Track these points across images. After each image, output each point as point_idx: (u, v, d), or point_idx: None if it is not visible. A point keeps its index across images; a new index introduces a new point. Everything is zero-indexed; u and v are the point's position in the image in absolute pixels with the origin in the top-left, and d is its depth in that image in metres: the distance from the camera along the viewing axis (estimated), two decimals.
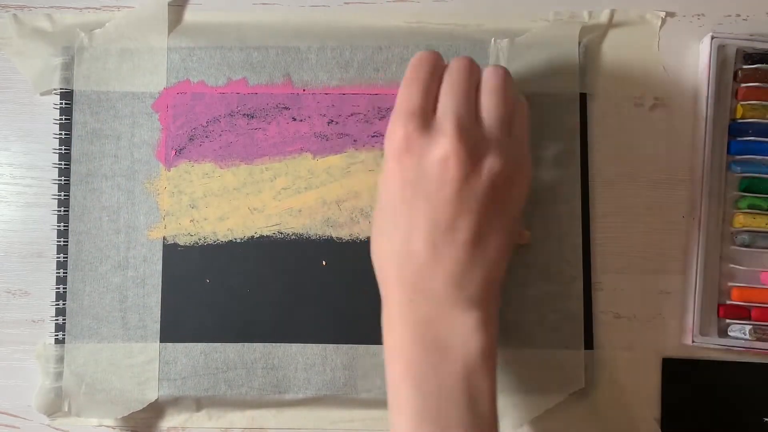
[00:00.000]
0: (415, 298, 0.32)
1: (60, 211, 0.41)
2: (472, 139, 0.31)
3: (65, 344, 0.40)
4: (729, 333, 0.39)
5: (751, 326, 0.38)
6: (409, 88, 0.33)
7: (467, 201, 0.31)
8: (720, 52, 0.40)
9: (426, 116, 0.32)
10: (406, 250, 0.32)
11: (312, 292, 0.40)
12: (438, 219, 0.31)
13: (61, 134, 0.41)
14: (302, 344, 0.40)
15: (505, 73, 0.34)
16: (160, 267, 0.40)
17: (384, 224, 0.33)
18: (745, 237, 0.39)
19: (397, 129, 0.32)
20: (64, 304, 0.40)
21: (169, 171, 0.41)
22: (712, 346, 0.39)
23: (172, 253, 0.40)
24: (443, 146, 0.31)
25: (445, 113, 0.32)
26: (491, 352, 0.32)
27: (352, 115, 0.41)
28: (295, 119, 0.41)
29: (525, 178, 0.34)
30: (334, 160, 0.41)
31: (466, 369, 0.31)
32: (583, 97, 0.40)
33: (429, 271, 0.32)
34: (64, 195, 0.41)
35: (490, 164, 0.31)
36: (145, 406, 0.40)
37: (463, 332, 0.31)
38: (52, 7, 0.42)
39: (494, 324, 0.33)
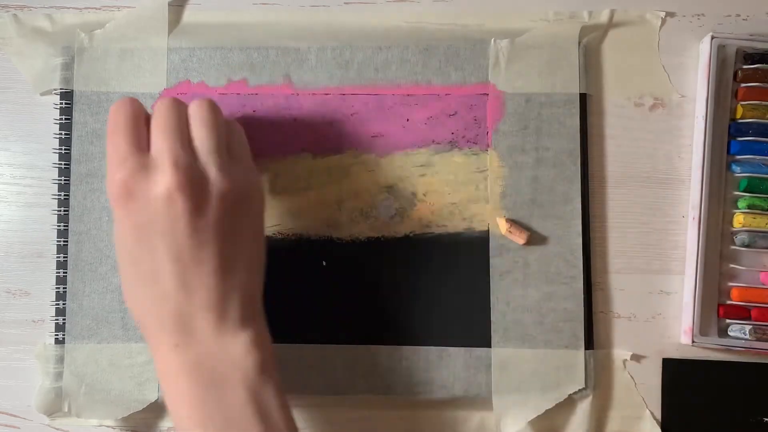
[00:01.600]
0: (180, 342, 0.32)
1: (60, 211, 0.41)
2: (190, 170, 0.31)
3: (65, 344, 0.40)
4: (729, 333, 0.39)
5: (751, 326, 0.38)
6: (114, 136, 0.32)
7: (204, 230, 0.31)
8: (720, 52, 0.40)
9: (138, 160, 0.32)
10: (157, 293, 0.32)
11: (312, 292, 0.40)
12: (180, 255, 0.31)
13: (61, 134, 0.41)
14: (302, 344, 0.40)
15: (210, 103, 0.34)
16: None
17: (129, 275, 0.33)
18: (745, 237, 0.39)
19: (114, 178, 0.31)
20: (64, 305, 0.40)
21: None
22: (712, 346, 0.39)
23: None
24: (164, 183, 0.31)
25: (158, 151, 0.32)
26: (270, 364, 0.33)
27: (352, 115, 0.41)
28: (295, 119, 0.41)
29: (257, 192, 0.34)
30: (334, 160, 0.41)
31: (248, 391, 0.31)
32: (583, 97, 0.40)
33: (186, 308, 0.31)
34: (64, 195, 0.41)
35: (217, 188, 0.32)
36: (145, 406, 0.40)
37: (236, 358, 0.32)
38: (52, 7, 0.42)
39: (265, 338, 0.33)
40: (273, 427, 0.31)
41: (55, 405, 0.40)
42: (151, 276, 0.32)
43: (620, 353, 0.40)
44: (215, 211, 0.32)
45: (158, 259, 0.31)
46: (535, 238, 0.40)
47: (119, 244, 0.33)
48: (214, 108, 0.34)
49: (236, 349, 0.32)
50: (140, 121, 0.33)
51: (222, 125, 0.34)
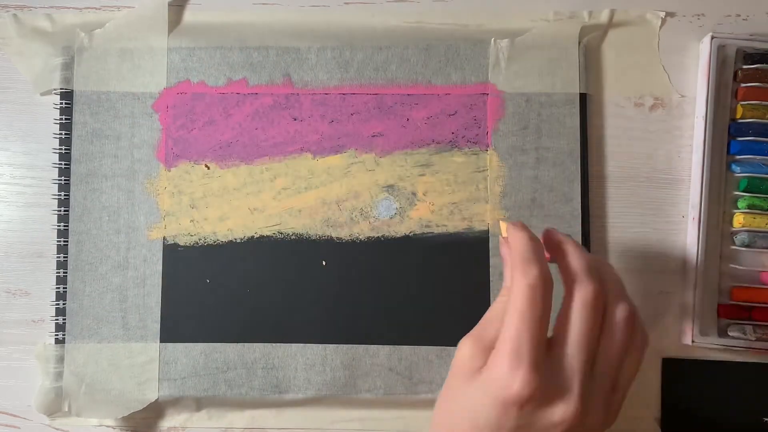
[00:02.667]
0: None
1: (60, 211, 0.41)
2: (590, 406, 0.29)
3: (65, 344, 0.40)
4: (729, 333, 0.39)
5: (751, 326, 0.38)
6: (533, 328, 0.29)
7: None
8: (720, 52, 0.40)
9: (545, 368, 0.28)
10: None
11: (312, 292, 0.40)
12: None
13: (61, 134, 0.41)
14: (302, 344, 0.40)
15: (634, 309, 0.30)
16: (160, 267, 0.40)
17: None
18: (745, 237, 0.39)
19: (517, 380, 0.28)
20: (64, 304, 0.40)
21: (169, 171, 0.41)
22: (712, 346, 0.39)
23: (172, 253, 0.40)
24: (560, 415, 0.28)
25: (571, 371, 0.29)
26: None
27: (352, 115, 0.41)
28: (295, 119, 0.41)
29: (610, 423, 0.31)
30: (334, 160, 0.41)
31: None
32: (583, 97, 0.40)
33: None
34: (64, 195, 0.41)
35: (590, 428, 0.29)
36: (145, 406, 0.40)
37: None
38: (52, 7, 0.42)
39: None
40: None
41: (55, 405, 0.40)
42: None
43: None
44: None
45: None
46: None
47: (470, 411, 0.30)
48: (635, 316, 0.30)
49: None
50: (548, 311, 0.30)
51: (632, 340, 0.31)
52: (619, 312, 0.30)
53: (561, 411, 0.28)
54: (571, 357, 0.29)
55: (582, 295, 0.30)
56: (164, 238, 0.41)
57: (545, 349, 0.29)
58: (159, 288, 0.40)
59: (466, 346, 0.31)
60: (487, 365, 0.29)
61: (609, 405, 0.30)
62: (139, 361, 0.40)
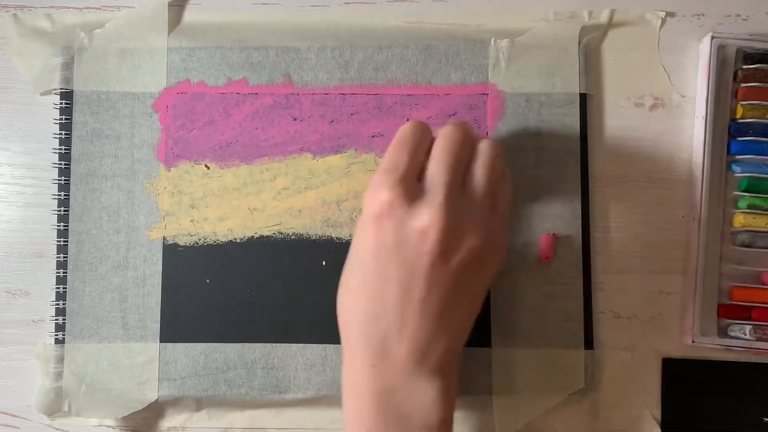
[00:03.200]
0: (378, 365, 0.32)
1: (60, 211, 0.41)
2: (456, 213, 0.31)
3: (65, 344, 0.40)
4: (729, 333, 0.39)
5: (751, 326, 0.38)
6: (399, 150, 0.32)
7: (441, 274, 0.31)
8: (720, 52, 0.40)
9: (412, 183, 0.32)
10: (372, 313, 0.32)
11: (312, 292, 0.40)
12: (409, 288, 0.31)
13: (61, 134, 0.41)
14: (302, 344, 0.40)
15: (500, 147, 0.34)
16: (160, 267, 0.40)
17: (353, 283, 0.33)
18: (745, 237, 0.39)
19: (382, 191, 0.31)
20: (64, 304, 0.40)
21: (169, 171, 0.41)
22: (712, 346, 0.39)
23: (172, 253, 0.40)
24: (427, 217, 0.31)
25: (433, 183, 0.32)
26: (449, 422, 0.33)
27: (352, 115, 0.41)
28: (295, 119, 0.41)
29: (498, 256, 0.34)
30: (334, 160, 0.41)
31: None
32: (583, 97, 0.40)
33: (395, 338, 0.32)
34: (64, 195, 0.41)
35: (469, 242, 0.31)
36: (145, 406, 0.40)
37: (425, 403, 0.32)
38: (52, 7, 0.42)
39: (454, 394, 0.33)
40: None
41: (55, 405, 0.40)
42: (374, 294, 0.32)
43: (620, 353, 0.40)
44: (458, 261, 0.31)
45: (388, 282, 0.31)
46: (534, 238, 0.40)
47: (358, 252, 0.33)
48: (502, 152, 0.34)
49: (426, 395, 0.32)
50: (424, 146, 0.33)
51: (501, 173, 0.34)
52: (487, 145, 0.33)
53: (426, 215, 0.31)
54: (435, 173, 0.32)
55: (448, 129, 0.33)
56: (164, 238, 0.41)
57: (417, 178, 0.32)
58: (159, 288, 0.40)
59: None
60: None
61: (489, 226, 0.32)
62: (139, 361, 0.40)
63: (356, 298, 0.33)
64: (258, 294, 0.40)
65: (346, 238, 0.40)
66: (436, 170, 0.32)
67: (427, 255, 0.31)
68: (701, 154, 0.39)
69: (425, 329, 0.32)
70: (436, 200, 0.31)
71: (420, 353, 0.32)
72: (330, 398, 0.40)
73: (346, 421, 0.33)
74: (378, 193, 0.32)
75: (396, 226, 0.31)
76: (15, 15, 0.42)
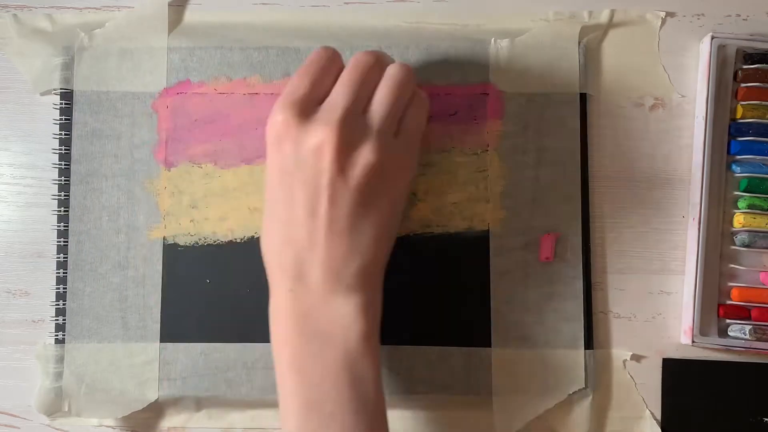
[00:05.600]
0: (295, 288, 0.33)
1: (60, 211, 0.41)
2: (350, 130, 0.32)
3: (65, 344, 0.40)
4: (729, 333, 0.39)
5: (751, 326, 0.38)
6: (299, 77, 0.33)
7: (341, 191, 0.32)
8: (720, 52, 0.40)
9: (309, 105, 0.32)
10: (285, 238, 0.33)
11: None
12: (314, 208, 0.32)
13: (61, 134, 0.41)
14: None
15: (408, 70, 0.34)
16: (160, 267, 0.40)
17: (267, 213, 0.34)
18: (745, 237, 0.39)
19: (277, 115, 0.32)
20: (64, 304, 0.40)
21: (169, 171, 0.41)
22: (712, 346, 0.39)
23: (172, 253, 0.40)
24: (319, 135, 0.31)
25: (330, 103, 0.32)
26: (372, 335, 0.33)
27: None
28: None
29: (405, 173, 0.35)
30: None
31: (347, 356, 0.32)
32: (583, 97, 0.40)
33: (307, 258, 0.33)
34: (64, 195, 0.41)
35: (365, 157, 0.32)
36: (145, 406, 0.40)
37: (343, 320, 0.33)
38: (52, 7, 0.42)
39: (375, 308, 0.34)
40: (363, 396, 0.32)
41: (55, 405, 0.40)
42: (285, 219, 0.33)
43: (620, 353, 0.40)
44: (357, 178, 0.32)
45: (294, 205, 0.32)
46: (534, 238, 0.40)
47: (267, 182, 0.34)
48: (408, 75, 0.34)
49: (344, 312, 0.33)
50: (331, 72, 0.34)
51: (406, 94, 0.34)
52: (396, 69, 0.34)
53: (319, 131, 0.31)
54: (336, 94, 0.33)
55: (358, 55, 0.34)
56: (164, 238, 0.41)
57: (310, 98, 0.33)
58: (159, 288, 0.40)
59: None
60: None
61: (389, 146, 0.33)
62: (139, 361, 0.40)
63: (270, 224, 0.34)
64: (258, 294, 0.40)
65: None
66: (337, 91, 0.33)
67: (324, 173, 0.31)
68: (701, 154, 0.39)
69: (335, 248, 0.32)
70: (332, 118, 0.32)
71: (333, 273, 0.32)
72: None
73: (272, 344, 0.34)
74: (275, 118, 0.32)
75: (293, 146, 0.32)
76: (15, 15, 0.42)
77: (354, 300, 0.33)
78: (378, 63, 0.34)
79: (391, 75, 0.34)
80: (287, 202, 0.33)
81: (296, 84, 0.33)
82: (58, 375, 0.40)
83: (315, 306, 0.33)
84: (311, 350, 0.32)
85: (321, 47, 0.34)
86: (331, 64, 0.34)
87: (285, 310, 0.33)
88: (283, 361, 0.33)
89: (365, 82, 0.33)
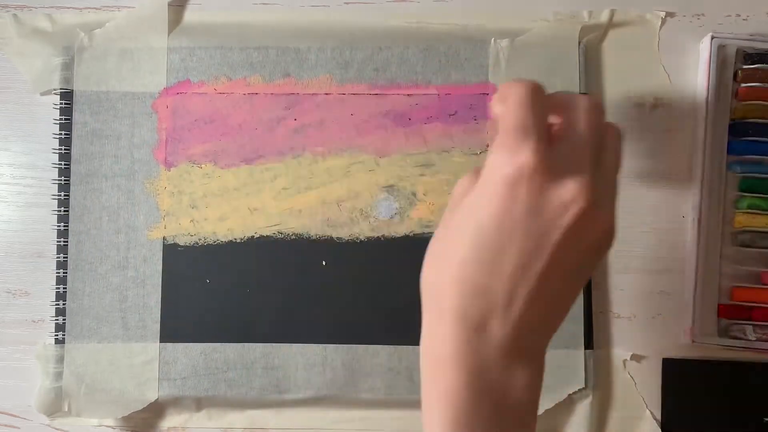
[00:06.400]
0: (474, 340, 0.29)
1: (60, 211, 0.41)
2: (595, 190, 0.28)
3: (65, 344, 0.40)
4: (729, 333, 0.39)
5: (751, 326, 0.38)
6: (526, 111, 0.28)
7: (566, 254, 0.28)
8: (720, 52, 0.40)
9: (548, 149, 0.28)
10: (479, 284, 0.28)
11: (312, 292, 0.40)
12: (529, 263, 0.28)
13: (61, 134, 0.41)
14: (302, 344, 0.40)
15: (618, 130, 0.31)
16: (160, 267, 0.40)
17: (455, 250, 0.29)
18: (745, 237, 0.39)
19: (522, 154, 0.27)
20: (64, 304, 0.40)
21: (169, 171, 0.41)
22: (712, 346, 0.39)
23: (172, 253, 0.40)
24: (573, 191, 0.27)
25: (575, 154, 0.29)
26: (537, 406, 0.30)
27: (352, 115, 0.41)
28: (295, 119, 0.41)
29: (612, 242, 0.31)
30: (334, 160, 0.41)
31: (516, 422, 0.29)
32: None
33: (498, 314, 0.28)
34: (64, 195, 0.41)
35: (604, 222, 0.29)
36: (145, 406, 0.40)
37: (521, 385, 0.29)
38: (52, 7, 0.42)
39: (542, 378, 0.31)
40: None
41: (55, 405, 0.40)
42: (486, 264, 0.28)
43: (620, 353, 0.40)
44: (589, 240, 0.28)
45: (506, 253, 0.28)
46: None
47: (467, 216, 0.29)
48: (620, 134, 0.31)
49: (522, 378, 0.29)
50: (548, 107, 0.29)
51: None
52: (612, 126, 0.31)
53: (572, 187, 0.27)
54: (578, 146, 0.29)
55: (585, 101, 0.30)
56: (164, 238, 0.41)
57: (548, 138, 0.28)
58: (159, 288, 0.40)
59: (461, 180, 0.31)
60: (486, 163, 0.29)
61: (613, 206, 0.29)
62: (139, 361, 0.40)
63: (459, 266, 0.29)
64: (258, 294, 0.40)
65: (346, 238, 0.40)
66: (580, 143, 0.29)
67: (561, 229, 0.28)
68: (701, 154, 0.39)
69: (534, 312, 0.28)
70: (583, 176, 0.28)
71: (522, 336, 0.29)
72: (330, 398, 0.40)
73: (429, 396, 0.30)
74: (516, 155, 0.27)
75: (533, 194, 0.28)
76: (15, 15, 0.42)
77: (534, 366, 0.29)
78: (600, 114, 0.30)
79: (616, 131, 0.30)
80: (498, 247, 0.28)
81: (526, 122, 0.28)
82: (58, 375, 0.40)
83: (494, 364, 0.29)
84: (481, 413, 0.29)
85: (527, 82, 0.29)
86: (544, 99, 0.29)
87: (457, 361, 0.29)
88: (444, 418, 0.29)
89: (601, 133, 0.30)
